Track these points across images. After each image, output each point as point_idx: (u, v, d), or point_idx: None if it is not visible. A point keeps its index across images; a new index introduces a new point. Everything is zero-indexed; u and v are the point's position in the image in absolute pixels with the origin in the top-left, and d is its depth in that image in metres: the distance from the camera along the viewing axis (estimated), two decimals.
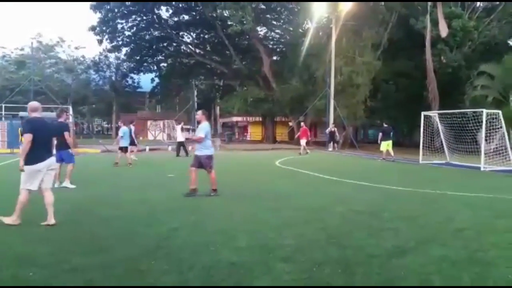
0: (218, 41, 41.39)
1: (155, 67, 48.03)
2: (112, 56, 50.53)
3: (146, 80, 51.78)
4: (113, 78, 53.71)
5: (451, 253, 4.60)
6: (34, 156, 5.56)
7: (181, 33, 42.74)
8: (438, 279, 3.86)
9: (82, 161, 14.47)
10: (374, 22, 28.57)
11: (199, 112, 8.76)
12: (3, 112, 25.43)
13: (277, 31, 42.18)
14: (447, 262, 4.29)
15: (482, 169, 14.60)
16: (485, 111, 15.16)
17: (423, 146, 18.25)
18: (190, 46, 43.94)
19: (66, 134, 9.24)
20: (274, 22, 40.66)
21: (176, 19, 41.03)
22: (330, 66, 27.62)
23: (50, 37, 60.91)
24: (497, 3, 29.46)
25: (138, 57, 44.70)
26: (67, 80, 51.13)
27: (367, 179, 11.18)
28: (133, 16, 39.33)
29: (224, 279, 3.80)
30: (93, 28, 37.64)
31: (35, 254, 4.42)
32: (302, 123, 25.60)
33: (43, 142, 5.75)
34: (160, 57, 46.61)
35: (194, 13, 39.90)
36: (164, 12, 39.87)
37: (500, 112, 15.55)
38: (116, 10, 36.95)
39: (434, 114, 19.03)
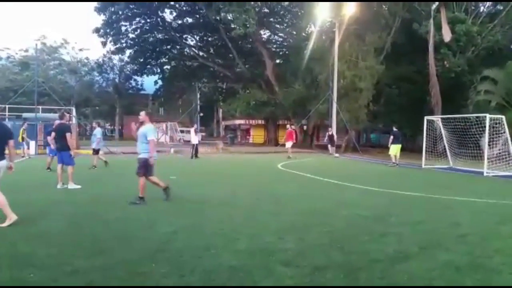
0: (222, 44, 41.52)
1: (159, 70, 48.23)
2: (115, 58, 50.84)
3: (149, 83, 52.03)
4: (117, 80, 53.90)
5: (454, 258, 4.56)
6: None
7: (184, 36, 42.93)
8: (441, 284, 3.82)
9: (85, 162, 14.47)
10: (377, 27, 28.57)
11: (142, 113, 7.94)
12: (6, 113, 25.52)
13: (280, 34, 42.30)
14: (451, 268, 4.25)
15: (485, 174, 14.53)
16: (488, 116, 15.11)
17: (426, 150, 18.19)
18: (194, 49, 44.09)
19: (67, 135, 9.24)
20: (278, 26, 40.79)
21: (179, 21, 41.24)
22: (333, 70, 27.60)
23: (54, 38, 61.33)
24: (501, 8, 29.44)
25: (141, 60, 44.90)
26: (70, 82, 51.32)
27: (369, 183, 11.14)
28: (137, 19, 39.56)
29: (225, 282, 3.77)
30: (97, 30, 37.84)
31: (35, 256, 4.41)
32: (288, 126, 25.34)
33: None
34: (164, 59, 46.83)
35: (197, 16, 40.07)
36: (168, 14, 40.18)
37: (503, 117, 15.52)
38: (120, 12, 37.14)
39: (437, 118, 18.98)
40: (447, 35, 24.82)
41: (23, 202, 7.02)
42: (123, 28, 39.80)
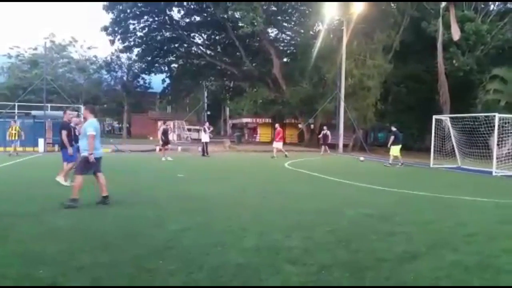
0: (229, 42, 41.55)
1: (166, 68, 48.34)
2: (123, 57, 50.98)
3: (157, 81, 52.23)
4: (125, 78, 54.11)
5: (462, 258, 4.54)
6: None
7: (192, 34, 42.98)
8: (448, 284, 3.81)
9: None
10: (385, 25, 28.41)
11: (83, 108, 7.63)
12: (16, 111, 25.76)
13: (288, 33, 42.18)
14: (458, 267, 4.23)
15: (494, 173, 14.43)
16: (497, 115, 14.98)
17: (434, 150, 18.08)
18: (201, 47, 44.16)
19: (63, 133, 9.43)
20: (285, 24, 40.68)
21: (187, 20, 41.28)
22: (340, 68, 27.50)
23: (63, 37, 61.68)
24: (511, 6, 29.11)
25: (149, 58, 45.03)
26: (79, 80, 51.67)
27: (376, 183, 11.11)
28: (145, 17, 39.69)
29: (232, 279, 3.79)
30: (105, 29, 38.07)
31: (44, 252, 4.46)
32: (277, 125, 24.26)
33: None
34: (171, 58, 46.95)
35: (205, 14, 40.11)
36: (176, 13, 40.22)
37: None
38: (128, 10, 37.31)
39: (445, 117, 18.86)
40: (456, 34, 24.64)
41: (30, 198, 7.09)
42: (131, 27, 39.99)
